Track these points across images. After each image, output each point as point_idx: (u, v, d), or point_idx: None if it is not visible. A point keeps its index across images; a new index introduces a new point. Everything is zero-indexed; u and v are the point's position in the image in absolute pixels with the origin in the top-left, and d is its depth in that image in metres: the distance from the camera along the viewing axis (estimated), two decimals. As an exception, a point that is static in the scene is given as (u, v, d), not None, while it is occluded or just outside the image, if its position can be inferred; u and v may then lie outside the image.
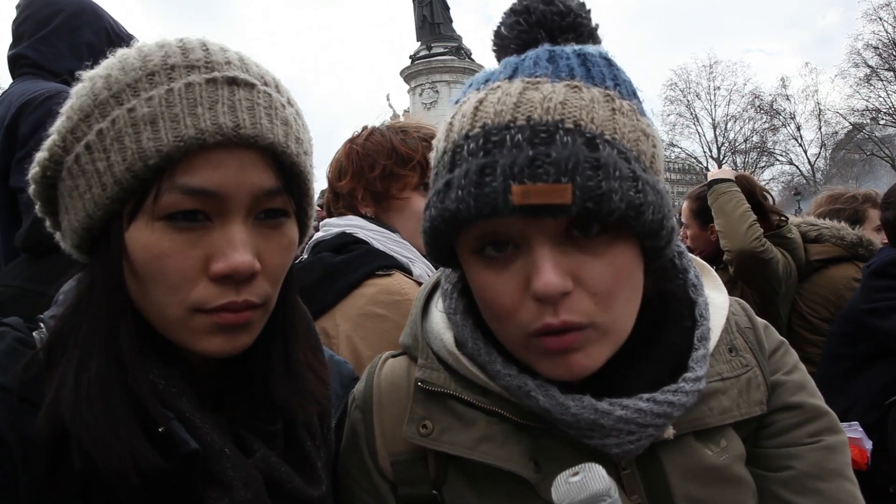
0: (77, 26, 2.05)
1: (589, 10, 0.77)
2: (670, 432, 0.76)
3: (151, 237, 0.67)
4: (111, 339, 0.67)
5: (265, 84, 0.72)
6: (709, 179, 2.91)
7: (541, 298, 0.66)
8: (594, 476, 0.64)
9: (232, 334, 0.71)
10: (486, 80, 0.73)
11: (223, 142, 0.66)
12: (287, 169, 0.72)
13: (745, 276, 2.70)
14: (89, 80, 0.70)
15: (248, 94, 0.69)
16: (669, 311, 0.81)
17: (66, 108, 0.70)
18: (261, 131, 0.68)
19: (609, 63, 0.73)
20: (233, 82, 0.69)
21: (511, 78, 0.70)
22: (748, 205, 2.70)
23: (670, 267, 0.84)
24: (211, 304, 0.68)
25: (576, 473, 0.65)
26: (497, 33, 0.79)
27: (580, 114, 0.66)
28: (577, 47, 0.73)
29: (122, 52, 0.71)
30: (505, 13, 0.78)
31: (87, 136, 0.67)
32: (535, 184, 0.62)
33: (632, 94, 0.72)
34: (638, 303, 0.73)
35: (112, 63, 0.70)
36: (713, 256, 2.90)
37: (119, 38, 2.12)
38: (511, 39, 0.76)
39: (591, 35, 0.77)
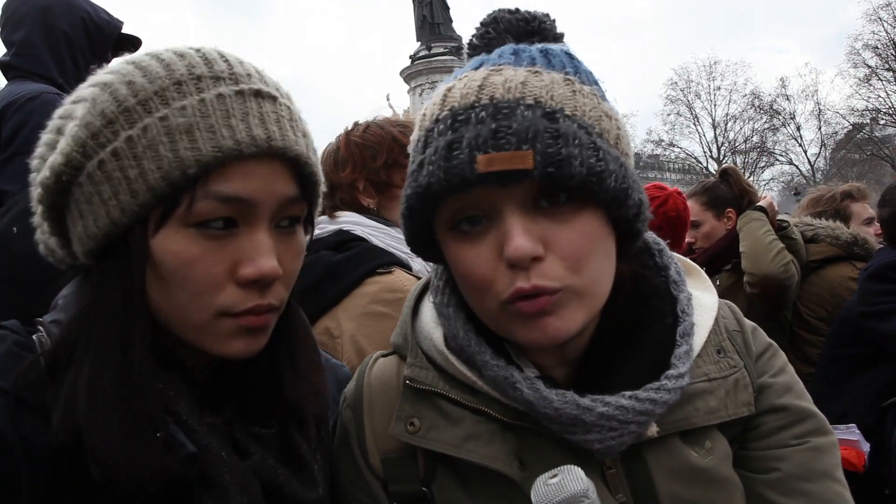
0: (51, 24, 2.05)
1: (553, 19, 0.83)
2: (653, 430, 0.77)
3: (182, 243, 0.69)
4: (126, 349, 0.68)
5: (282, 96, 0.76)
6: (754, 205, 2.82)
7: (513, 263, 0.69)
8: (572, 478, 0.66)
9: (253, 337, 0.74)
10: (455, 76, 0.78)
11: (257, 153, 0.69)
12: (307, 178, 0.76)
13: (765, 298, 2.71)
14: (105, 85, 0.70)
15: (272, 106, 0.73)
16: (651, 308, 0.82)
17: (82, 113, 0.70)
18: (289, 143, 0.72)
19: (570, 56, 0.77)
20: (258, 95, 0.72)
21: (477, 69, 0.76)
22: (777, 237, 2.69)
23: (651, 263, 0.86)
24: (238, 308, 0.71)
25: (554, 475, 0.67)
26: (470, 44, 0.84)
27: (540, 92, 0.70)
28: (540, 45, 0.78)
29: (135, 58, 0.72)
30: (476, 27, 0.83)
31: (114, 142, 0.68)
32: (499, 152, 0.67)
33: (593, 82, 0.77)
34: (611, 272, 0.76)
35: (129, 70, 0.71)
36: (719, 255, 2.89)
37: (97, 26, 2.11)
38: (482, 47, 0.81)
39: (555, 39, 0.82)
